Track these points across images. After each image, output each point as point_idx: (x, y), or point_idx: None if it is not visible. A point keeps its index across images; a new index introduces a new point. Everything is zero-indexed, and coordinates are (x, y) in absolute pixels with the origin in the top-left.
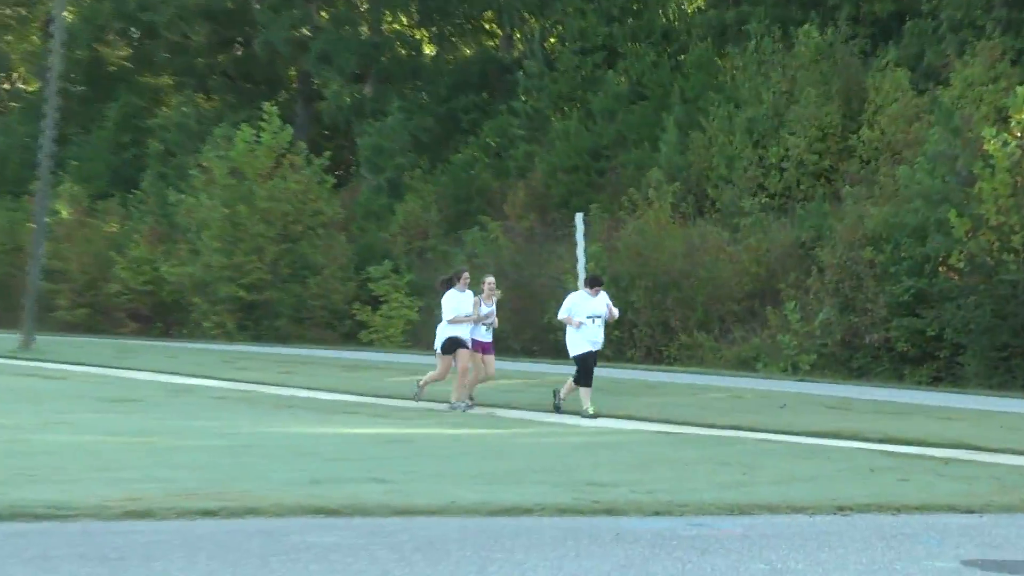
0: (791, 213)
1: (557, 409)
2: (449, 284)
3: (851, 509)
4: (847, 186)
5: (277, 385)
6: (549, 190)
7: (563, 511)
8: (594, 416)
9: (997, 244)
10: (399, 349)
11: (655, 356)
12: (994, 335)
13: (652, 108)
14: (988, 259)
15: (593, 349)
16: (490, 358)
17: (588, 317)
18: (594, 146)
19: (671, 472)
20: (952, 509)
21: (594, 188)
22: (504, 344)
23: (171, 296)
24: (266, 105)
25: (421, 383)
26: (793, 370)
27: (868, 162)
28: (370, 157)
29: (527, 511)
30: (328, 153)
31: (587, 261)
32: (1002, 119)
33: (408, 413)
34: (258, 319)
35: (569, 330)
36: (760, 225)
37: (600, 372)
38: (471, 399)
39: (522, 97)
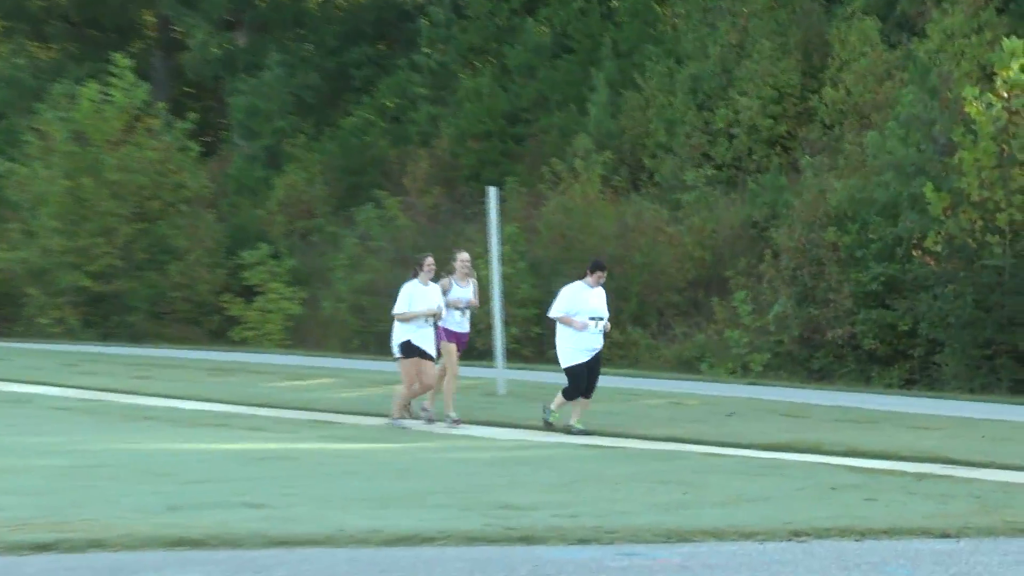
0: (741, 187)
1: (548, 426)
2: (413, 274)
3: (808, 534)
4: (807, 156)
5: (130, 393)
6: (457, 160)
7: (471, 539)
8: (586, 432)
9: (980, 223)
10: (278, 349)
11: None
12: (976, 330)
13: (579, 63)
14: (969, 241)
15: (587, 359)
16: (452, 359)
17: (590, 318)
18: (510, 108)
19: (600, 492)
20: (925, 533)
21: (510, 158)
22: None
23: (0, 287)
24: (117, 57)
25: (394, 409)
26: (743, 372)
27: (831, 127)
28: (243, 120)
29: (428, 540)
30: (193, 115)
31: (502, 244)
32: (986, 77)
33: (288, 425)
34: (107, 314)
35: (560, 334)
36: (705, 202)
37: (518, 376)
38: (426, 411)
39: (425, 50)
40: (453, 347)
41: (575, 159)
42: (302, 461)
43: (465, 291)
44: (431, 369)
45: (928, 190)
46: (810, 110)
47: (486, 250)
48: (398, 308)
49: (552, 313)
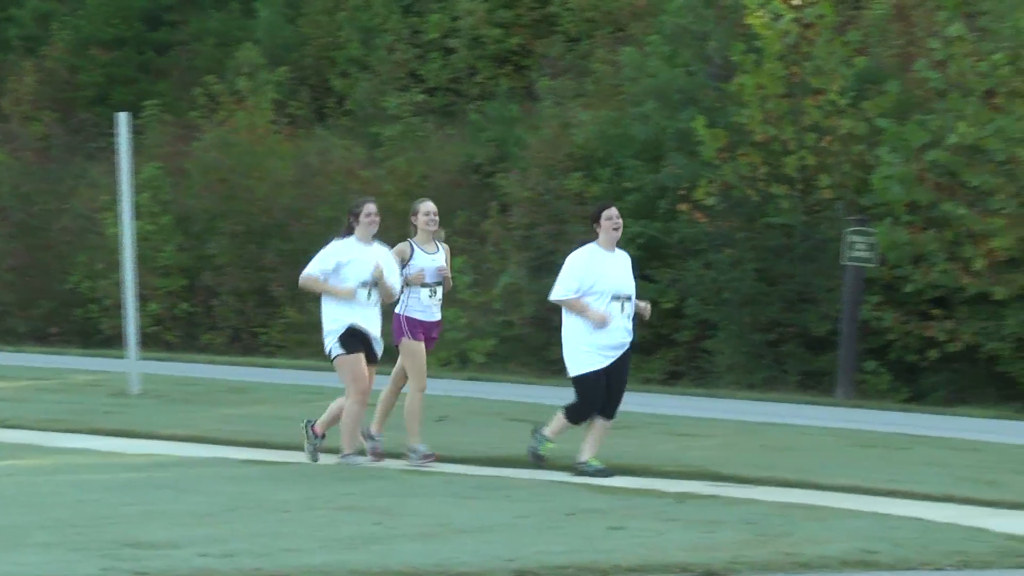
0: (461, 119)
1: (537, 460)
2: (347, 231)
3: (535, 573)
4: (545, 78)
5: None
6: (76, 76)
7: None
8: (605, 474)
9: (764, 170)
10: None
11: (246, 342)
12: (758, 308)
13: None
14: (751, 192)
15: (608, 363)
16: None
17: (613, 299)
18: (150, 5)
19: (264, 523)
20: (685, 570)
21: (150, 74)
22: (2, 325)
23: None
24: None
25: (345, 438)
26: (460, 363)
27: (577, 41)
28: None
29: None
30: None
31: (137, 191)
32: None
33: None
34: None
35: (568, 326)
36: (413, 137)
37: (158, 369)
38: (372, 438)
39: None
40: (421, 346)
41: (239, 78)
42: None
43: (433, 259)
44: (372, 373)
45: (699, 125)
46: (550, 17)
47: (114, 200)
48: (308, 270)
49: (554, 295)
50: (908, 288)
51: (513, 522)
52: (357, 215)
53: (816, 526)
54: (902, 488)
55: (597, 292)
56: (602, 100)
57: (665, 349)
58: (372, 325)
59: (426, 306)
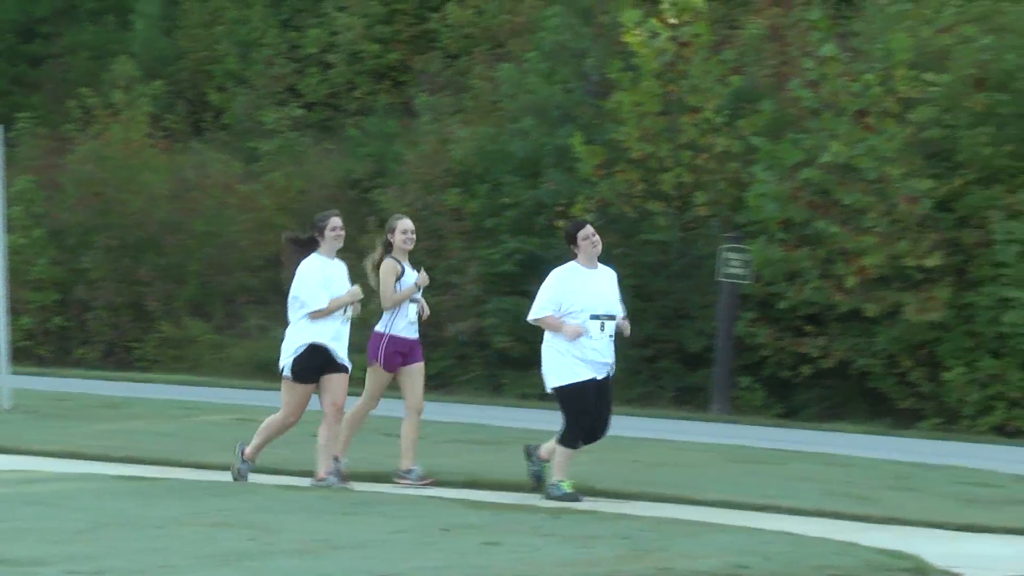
0: (339, 134)
1: (537, 479)
2: (307, 245)
3: None
4: (423, 94)
5: None
6: None
7: None
8: (572, 498)
9: (641, 186)
10: None
11: (120, 357)
12: (634, 325)
13: None
14: (628, 209)
15: (596, 376)
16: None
17: (592, 318)
18: (23, 18)
19: (137, 540)
20: None
21: (23, 86)
22: None
23: None
24: None
25: (248, 449)
26: None
27: (455, 57)
28: None
29: None
30: None
31: (9, 204)
32: None
33: None
34: None
35: (548, 344)
36: (291, 152)
37: (30, 383)
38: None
39: None
40: (389, 376)
41: (114, 91)
42: None
43: (414, 274)
44: (344, 383)
45: (577, 142)
46: (429, 33)
47: None
48: (312, 298)
49: (531, 315)
50: (782, 305)
51: (389, 538)
52: (322, 230)
53: (690, 541)
54: (775, 503)
55: (574, 311)
56: (480, 116)
57: (540, 365)
58: (340, 343)
59: (411, 322)
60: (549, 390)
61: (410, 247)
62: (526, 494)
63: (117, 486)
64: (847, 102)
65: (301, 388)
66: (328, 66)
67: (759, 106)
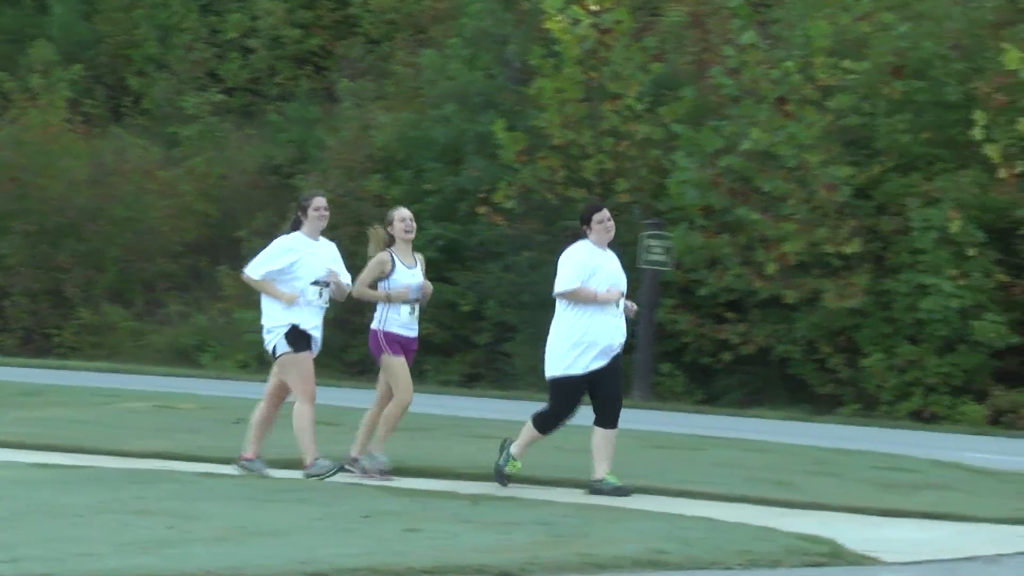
0: (260, 120)
1: (503, 479)
2: (294, 225)
3: None
4: (345, 79)
5: None
6: None
7: None
8: (623, 492)
9: (563, 173)
10: None
11: (39, 344)
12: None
13: None
14: (550, 196)
15: (599, 366)
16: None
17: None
18: None
19: (54, 528)
20: (480, 572)
21: None
22: None
23: None
24: None
25: (307, 452)
26: (259, 365)
27: (377, 43)
28: None
29: None
30: None
31: None
32: None
33: None
34: None
35: (559, 324)
36: (211, 138)
37: None
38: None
39: None
40: (402, 360)
41: (32, 75)
42: None
43: (414, 272)
44: (313, 368)
45: (499, 128)
46: (351, 19)
47: None
48: (254, 270)
49: (561, 287)
50: (703, 291)
51: (308, 525)
52: (305, 209)
53: (610, 527)
54: (695, 489)
55: (595, 285)
56: (402, 102)
57: (464, 351)
58: (315, 325)
59: (406, 322)
60: (548, 378)
61: (411, 236)
62: (447, 480)
63: (35, 474)
64: (767, 90)
65: (301, 357)
66: (249, 51)
67: (680, 93)
